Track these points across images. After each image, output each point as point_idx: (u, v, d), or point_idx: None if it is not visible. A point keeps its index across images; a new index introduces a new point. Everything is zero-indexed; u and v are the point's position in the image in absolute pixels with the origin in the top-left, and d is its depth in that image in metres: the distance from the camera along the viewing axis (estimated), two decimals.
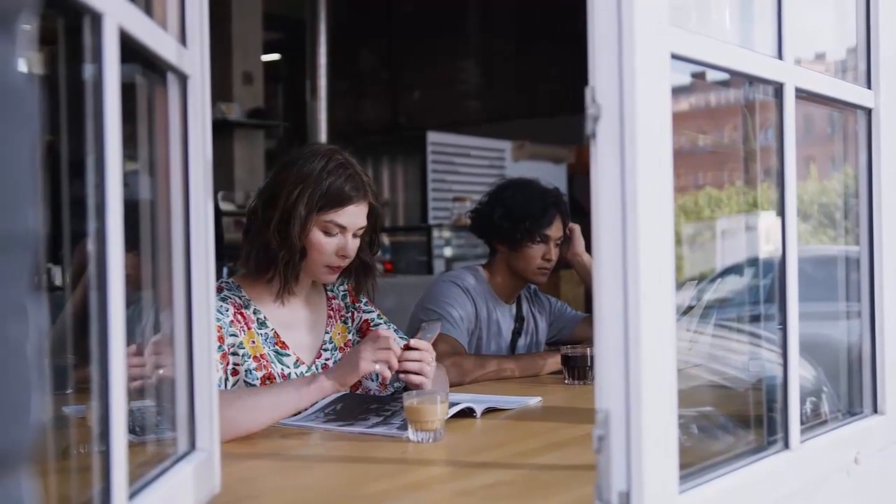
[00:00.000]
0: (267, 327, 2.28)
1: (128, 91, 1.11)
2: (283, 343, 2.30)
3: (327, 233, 2.25)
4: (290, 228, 2.21)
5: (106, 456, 1.03)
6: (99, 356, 1.03)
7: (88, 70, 1.04)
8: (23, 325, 0.56)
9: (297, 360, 2.30)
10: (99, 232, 1.03)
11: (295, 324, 2.35)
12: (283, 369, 2.26)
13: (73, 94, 1.06)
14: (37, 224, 0.59)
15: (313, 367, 2.33)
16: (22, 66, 0.58)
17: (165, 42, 1.28)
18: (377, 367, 2.05)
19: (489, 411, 2.23)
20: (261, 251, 2.26)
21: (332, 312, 2.44)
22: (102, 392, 1.03)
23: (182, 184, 1.39)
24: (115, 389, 1.03)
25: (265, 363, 2.23)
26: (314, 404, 2.13)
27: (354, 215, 2.27)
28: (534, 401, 2.40)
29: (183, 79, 1.37)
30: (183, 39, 1.38)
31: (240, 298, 2.27)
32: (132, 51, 1.15)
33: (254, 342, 2.24)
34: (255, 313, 2.28)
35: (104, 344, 1.03)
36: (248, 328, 2.25)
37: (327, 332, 2.41)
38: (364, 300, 2.52)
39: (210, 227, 1.42)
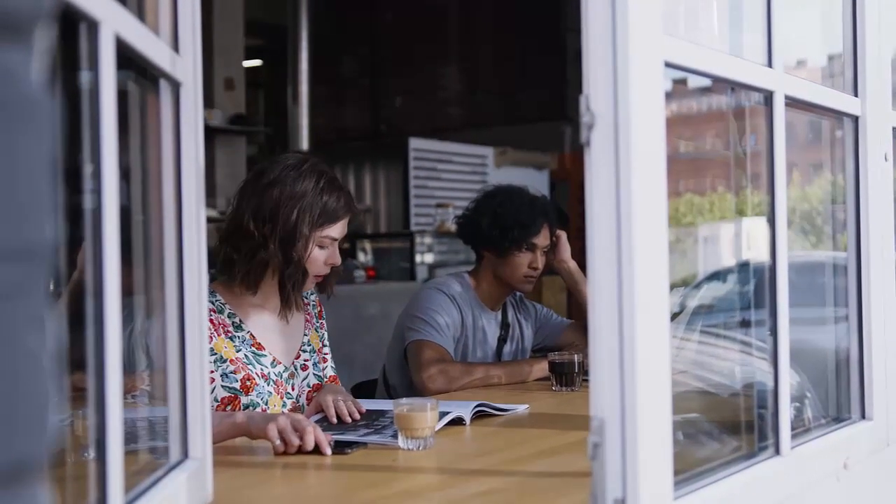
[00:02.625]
0: (243, 330, 2.33)
1: (119, 98, 1.11)
2: (260, 344, 2.35)
3: (321, 247, 2.33)
4: (295, 248, 2.28)
5: (102, 465, 1.03)
6: (95, 365, 1.02)
7: (84, 77, 1.04)
8: (40, 335, 0.56)
9: (274, 360, 2.35)
10: (95, 239, 1.02)
11: (273, 327, 2.40)
12: (261, 369, 2.31)
13: (68, 101, 1.06)
14: (54, 235, 0.58)
15: (292, 367, 2.40)
16: (38, 77, 0.57)
17: (159, 49, 1.27)
18: (277, 442, 1.88)
19: (480, 415, 2.24)
20: (260, 269, 2.31)
21: (308, 317, 2.51)
22: (99, 402, 1.02)
23: (174, 191, 1.38)
24: (112, 399, 1.03)
25: (241, 365, 2.28)
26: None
27: (344, 227, 2.38)
28: (522, 408, 2.40)
29: (176, 86, 1.37)
30: (176, 47, 1.37)
31: (213, 303, 2.29)
32: (126, 58, 1.14)
33: (226, 347, 2.28)
34: (229, 317, 2.33)
35: (100, 353, 1.02)
36: (219, 334, 2.28)
37: (305, 335, 2.48)
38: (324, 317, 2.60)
39: (203, 235, 1.42)
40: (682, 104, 1.85)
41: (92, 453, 1.09)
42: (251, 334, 2.34)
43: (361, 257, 7.50)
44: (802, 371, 1.91)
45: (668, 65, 1.28)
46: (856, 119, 1.88)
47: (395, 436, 1.95)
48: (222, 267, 2.34)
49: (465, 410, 2.20)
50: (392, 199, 8.46)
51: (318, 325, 2.55)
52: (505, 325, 3.21)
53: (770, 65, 1.57)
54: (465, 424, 2.17)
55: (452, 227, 3.20)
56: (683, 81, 1.55)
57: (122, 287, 1.08)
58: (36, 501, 0.55)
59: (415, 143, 8.25)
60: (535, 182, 7.53)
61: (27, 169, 0.55)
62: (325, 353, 2.55)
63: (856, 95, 1.88)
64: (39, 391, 0.56)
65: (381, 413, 2.24)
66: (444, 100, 10.23)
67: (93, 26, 1.02)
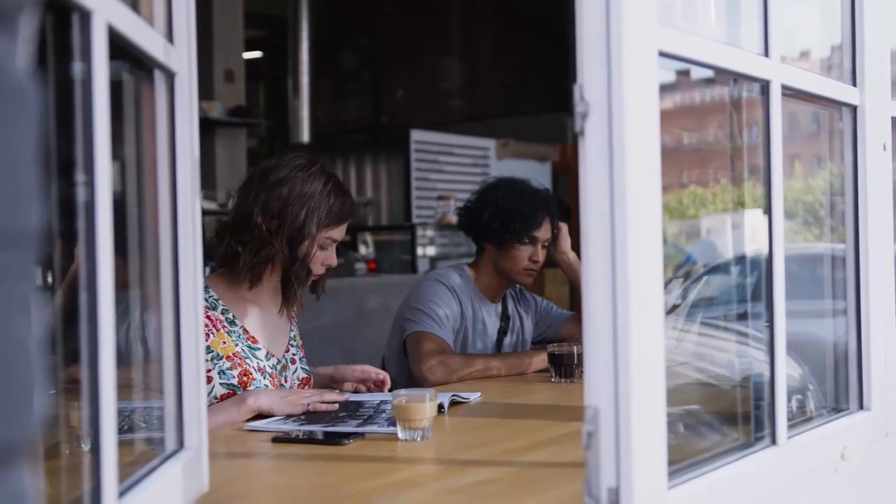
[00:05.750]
0: (237, 325, 2.36)
1: (113, 89, 1.10)
2: (254, 338, 2.38)
3: (322, 247, 2.38)
4: (301, 246, 2.33)
5: (96, 455, 1.03)
6: (89, 356, 1.03)
7: (77, 67, 1.04)
8: (26, 320, 0.56)
9: (268, 353, 2.40)
10: (88, 231, 1.02)
11: (263, 321, 2.44)
12: (257, 363, 2.35)
13: (60, 92, 1.05)
14: (40, 221, 0.59)
15: (284, 360, 2.45)
16: (23, 64, 0.58)
17: (153, 39, 1.27)
18: (310, 407, 2.19)
19: (481, 408, 2.26)
20: (264, 263, 2.34)
21: (293, 314, 2.56)
22: (92, 392, 1.02)
23: (169, 182, 1.38)
24: (105, 389, 1.03)
25: (239, 360, 2.32)
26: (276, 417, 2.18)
27: (344, 229, 2.44)
28: (475, 396, 2.44)
29: (170, 76, 1.37)
30: (170, 37, 1.37)
31: (206, 300, 2.31)
32: (119, 48, 1.14)
33: (224, 343, 2.32)
34: (223, 313, 2.36)
35: (94, 344, 1.02)
36: (217, 329, 2.32)
37: (292, 331, 2.53)
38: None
39: (198, 227, 1.42)
40: (685, 95, 1.85)
41: (88, 444, 1.09)
42: (244, 328, 2.38)
43: (363, 250, 7.50)
44: (804, 363, 1.91)
45: (662, 54, 1.27)
46: (854, 109, 1.88)
47: (390, 423, 1.95)
48: (224, 260, 2.37)
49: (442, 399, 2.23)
50: (393, 191, 8.46)
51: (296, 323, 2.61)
52: (505, 318, 3.21)
53: (766, 54, 1.57)
54: (444, 413, 2.18)
55: (454, 219, 3.20)
56: (687, 73, 1.55)
57: (118, 279, 1.08)
58: (21, 485, 0.56)
59: (416, 135, 8.24)
60: (538, 174, 7.53)
61: (12, 156, 0.55)
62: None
63: (854, 85, 1.88)
64: (25, 376, 0.56)
65: (360, 404, 2.26)
66: (445, 92, 10.23)
67: (85, 16, 1.02)
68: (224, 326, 2.33)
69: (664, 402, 1.25)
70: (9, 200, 0.55)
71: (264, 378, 2.34)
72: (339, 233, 2.40)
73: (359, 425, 2.03)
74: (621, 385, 1.19)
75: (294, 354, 2.51)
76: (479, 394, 2.47)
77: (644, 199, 1.22)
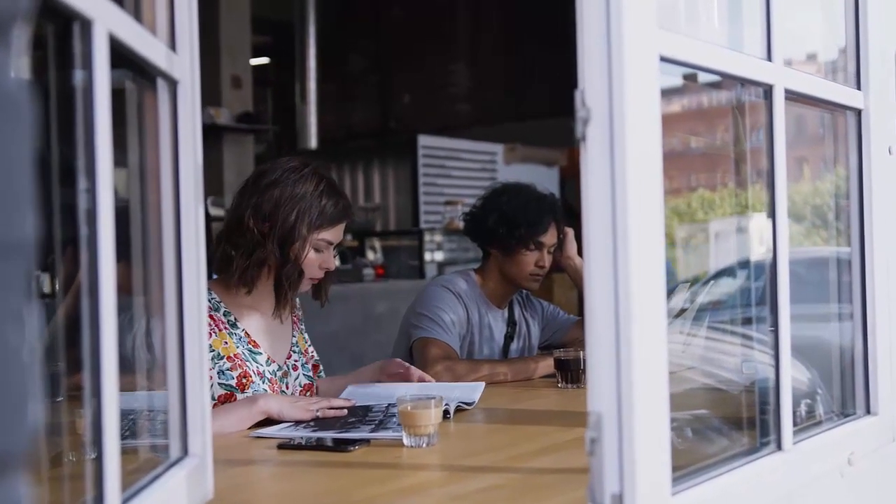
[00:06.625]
0: (238, 328, 2.37)
1: (117, 97, 1.11)
2: (255, 342, 2.39)
3: (317, 250, 2.37)
4: (292, 247, 2.32)
5: (99, 462, 1.03)
6: (91, 363, 1.03)
7: (78, 76, 1.04)
8: (20, 330, 0.57)
9: (269, 359, 2.40)
10: (90, 238, 1.03)
11: (265, 327, 2.44)
12: (257, 367, 2.35)
13: (63, 100, 1.06)
14: (34, 231, 0.59)
15: (285, 366, 2.45)
16: (18, 73, 0.58)
17: (155, 47, 1.27)
18: (319, 413, 2.18)
19: (479, 411, 2.27)
20: (257, 267, 2.33)
21: (295, 319, 2.56)
22: (95, 400, 1.02)
23: (172, 190, 1.38)
24: (108, 397, 1.03)
25: (239, 362, 2.32)
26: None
27: (340, 232, 2.42)
28: (478, 391, 2.44)
29: (173, 84, 1.37)
30: (173, 45, 1.37)
31: (209, 301, 2.31)
32: (121, 56, 1.14)
33: (226, 343, 2.32)
34: (225, 315, 2.36)
35: (96, 351, 1.02)
36: (220, 329, 2.33)
37: (294, 336, 2.52)
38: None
39: (201, 234, 1.42)
40: (693, 99, 1.85)
41: (94, 452, 1.10)
42: (246, 332, 2.38)
43: (370, 255, 7.50)
44: (812, 367, 1.90)
45: (663, 59, 1.27)
46: (859, 112, 1.87)
47: (398, 429, 1.95)
48: (220, 265, 2.37)
49: (469, 393, 2.25)
50: (401, 196, 8.46)
51: (301, 328, 2.60)
52: (512, 323, 3.21)
53: (769, 58, 1.56)
54: (449, 418, 2.18)
55: (461, 224, 3.21)
56: (694, 77, 1.55)
57: (122, 287, 1.08)
58: (16, 494, 0.56)
59: (423, 140, 8.24)
60: (545, 179, 7.53)
61: (7, 165, 0.55)
62: (312, 353, 2.60)
63: (859, 89, 1.87)
64: (19, 385, 0.56)
65: (369, 409, 2.26)
66: (452, 96, 10.23)
67: (86, 25, 1.02)
68: (226, 327, 2.34)
69: (667, 408, 1.25)
70: (4, 210, 0.55)
71: (263, 382, 2.34)
72: (333, 235, 2.38)
73: (371, 430, 2.02)
74: (624, 390, 1.19)
75: (296, 361, 2.50)
76: (483, 384, 2.49)
77: (646, 204, 1.22)
